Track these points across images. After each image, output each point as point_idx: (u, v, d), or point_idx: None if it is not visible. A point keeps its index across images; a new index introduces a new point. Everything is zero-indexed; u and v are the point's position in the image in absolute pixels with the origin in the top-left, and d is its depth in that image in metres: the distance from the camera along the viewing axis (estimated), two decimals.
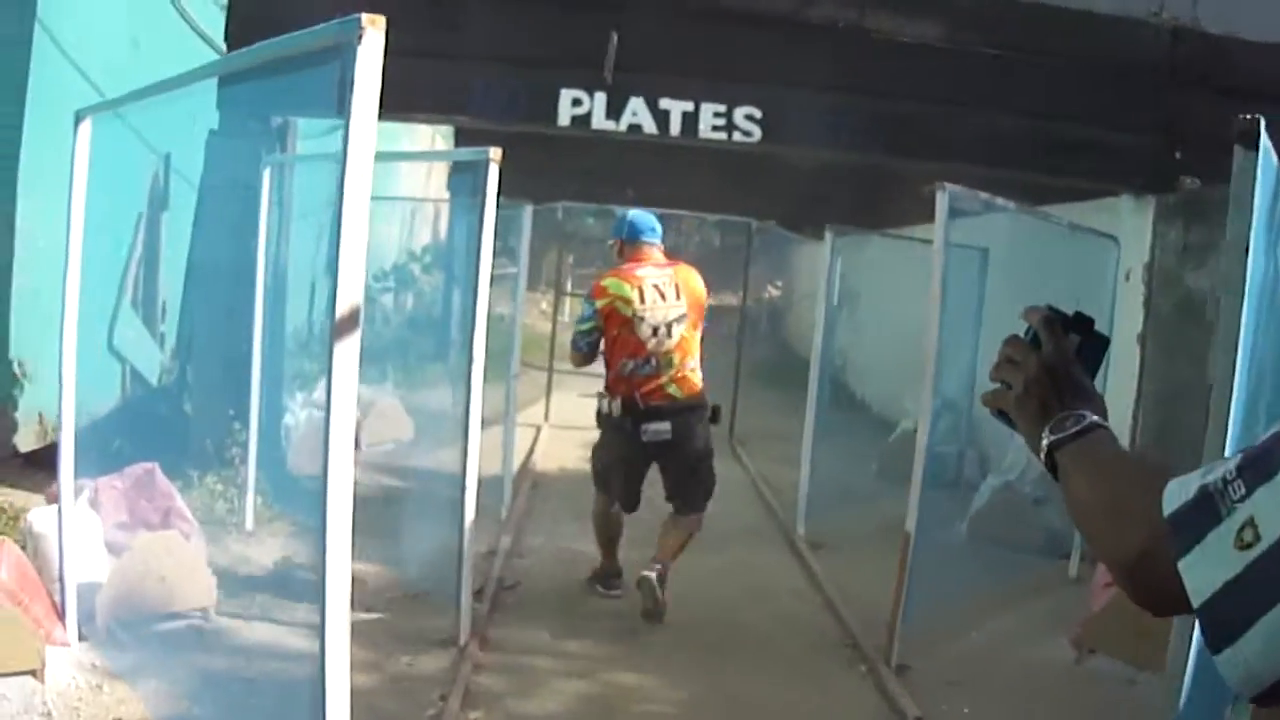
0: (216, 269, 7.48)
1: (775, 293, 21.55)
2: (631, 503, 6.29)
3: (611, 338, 5.95)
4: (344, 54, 2.28)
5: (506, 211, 7.23)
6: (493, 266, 14.94)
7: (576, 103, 7.00)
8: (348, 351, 2.36)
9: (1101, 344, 1.41)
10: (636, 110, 7.02)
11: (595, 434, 11.34)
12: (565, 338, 17.91)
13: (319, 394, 9.81)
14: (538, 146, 12.72)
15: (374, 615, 5.60)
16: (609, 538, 6.41)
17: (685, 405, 5.99)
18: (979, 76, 7.41)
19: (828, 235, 7.83)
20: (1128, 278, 7.68)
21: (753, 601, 6.46)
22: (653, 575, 5.90)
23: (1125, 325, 7.53)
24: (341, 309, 2.29)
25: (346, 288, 2.30)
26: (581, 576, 6.53)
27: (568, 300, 19.65)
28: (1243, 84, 7.40)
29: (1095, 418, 1.31)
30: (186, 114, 7.29)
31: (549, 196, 12.62)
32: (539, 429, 11.54)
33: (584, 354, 6.14)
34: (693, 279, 6.13)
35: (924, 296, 11.18)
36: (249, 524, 6.73)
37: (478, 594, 5.85)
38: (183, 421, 7.69)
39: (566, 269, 20.60)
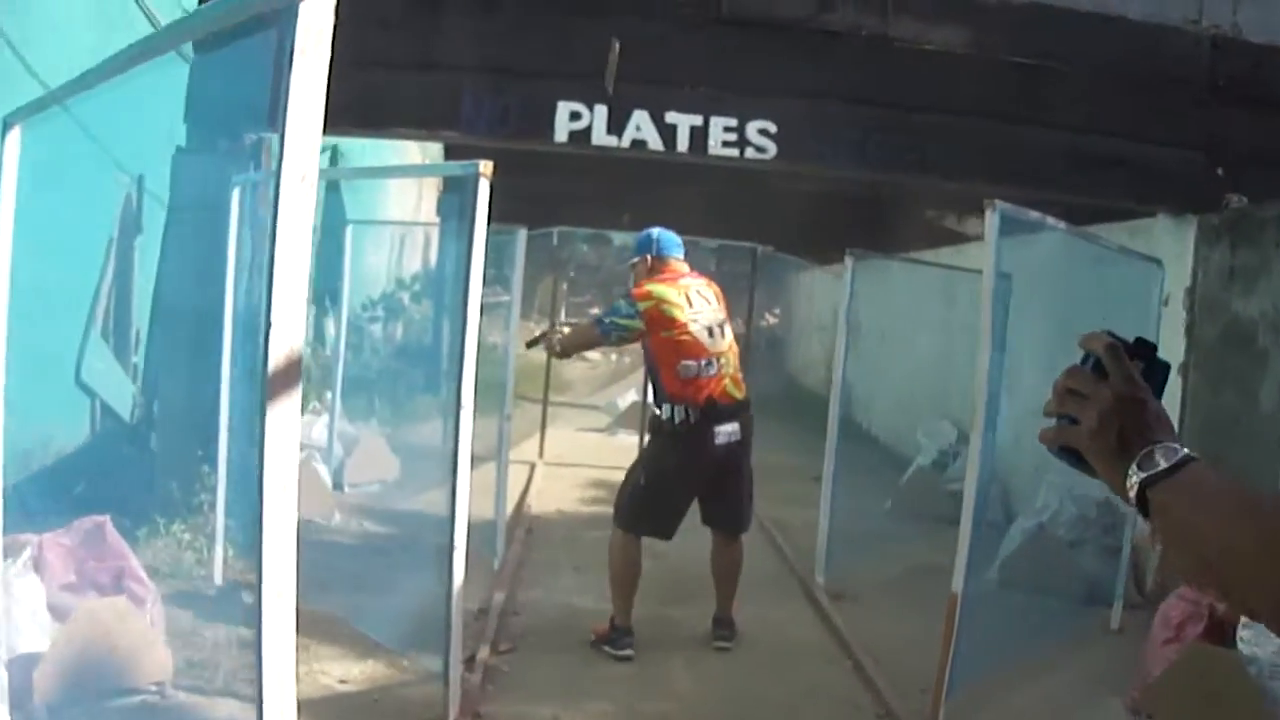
0: (183, 298, 6.92)
1: (773, 320, 21.08)
2: (675, 524, 5.92)
3: (660, 341, 5.77)
4: (283, 20, 1.70)
5: (499, 237, 6.78)
6: (485, 294, 14.42)
7: (575, 116, 6.43)
8: (285, 413, 1.77)
9: (1163, 372, 1.31)
10: (640, 124, 6.46)
11: (595, 472, 11.04)
12: (560, 367, 17.58)
13: (301, 432, 9.34)
14: (529, 171, 12.34)
15: (349, 687, 5.02)
16: (630, 586, 5.87)
17: (744, 405, 5.91)
18: (1006, 87, 6.89)
19: (847, 260, 7.26)
20: (1166, 303, 7.13)
21: (774, 666, 5.84)
22: (729, 646, 5.97)
23: (1165, 354, 6.91)
24: (276, 357, 1.70)
25: (282, 323, 1.70)
26: (584, 636, 5.91)
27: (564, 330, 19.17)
28: None
29: (1187, 450, 1.19)
30: (161, 132, 6.85)
31: (542, 222, 12.09)
32: (533, 466, 10.90)
33: (605, 339, 6.00)
34: (720, 290, 6.10)
35: (940, 323, 10.85)
36: (217, 577, 6.14)
37: (469, 662, 5.26)
38: (149, 463, 7.12)
39: (561, 296, 20.02)
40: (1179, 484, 1.17)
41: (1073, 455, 1.29)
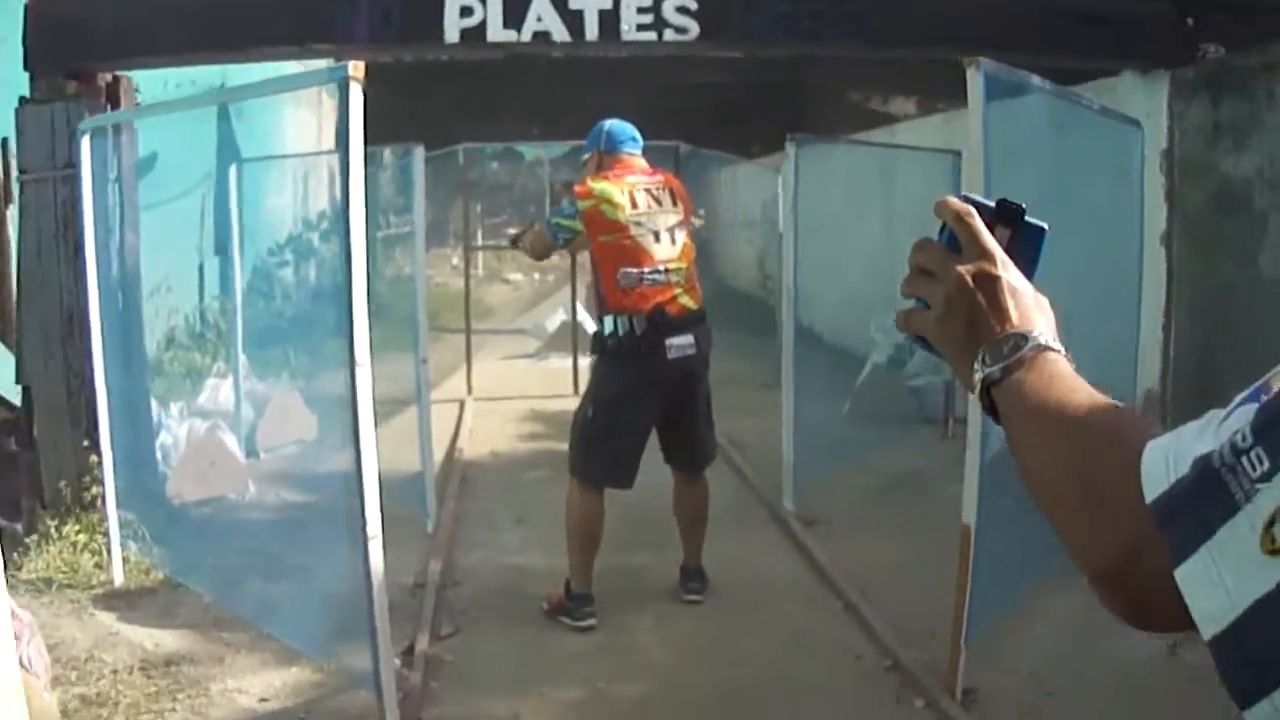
0: (43, 266, 6.04)
1: (698, 222, 20.24)
2: (632, 470, 5.13)
3: (599, 246, 5.12)
4: None
5: (399, 161, 6.04)
6: (394, 224, 13.49)
7: (466, 12, 5.56)
8: None
9: (1037, 240, 1.08)
10: (541, 14, 5.61)
11: (527, 404, 10.30)
12: (481, 293, 16.77)
13: (204, 398, 8.46)
14: (424, 88, 11.51)
15: (272, 704, 4.28)
16: (589, 542, 5.13)
17: (700, 317, 5.20)
18: None
19: (788, 147, 6.48)
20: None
21: (755, 615, 5.16)
22: (700, 599, 5.36)
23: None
24: None
25: None
26: (537, 604, 5.19)
27: (480, 255, 18.39)
28: None
29: (1040, 337, 1.00)
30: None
31: (444, 142, 11.24)
32: (462, 404, 10.05)
33: (554, 246, 5.42)
34: (681, 188, 5.37)
35: (883, 210, 10.15)
36: (119, 582, 5.37)
37: (407, 654, 4.53)
38: (32, 457, 6.28)
39: (475, 219, 19.10)
40: (1020, 384, 0.99)
41: (929, 344, 1.11)
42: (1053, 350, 1.00)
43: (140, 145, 6.69)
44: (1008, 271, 1.04)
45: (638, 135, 5.32)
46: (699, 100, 11.77)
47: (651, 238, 5.05)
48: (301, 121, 13.06)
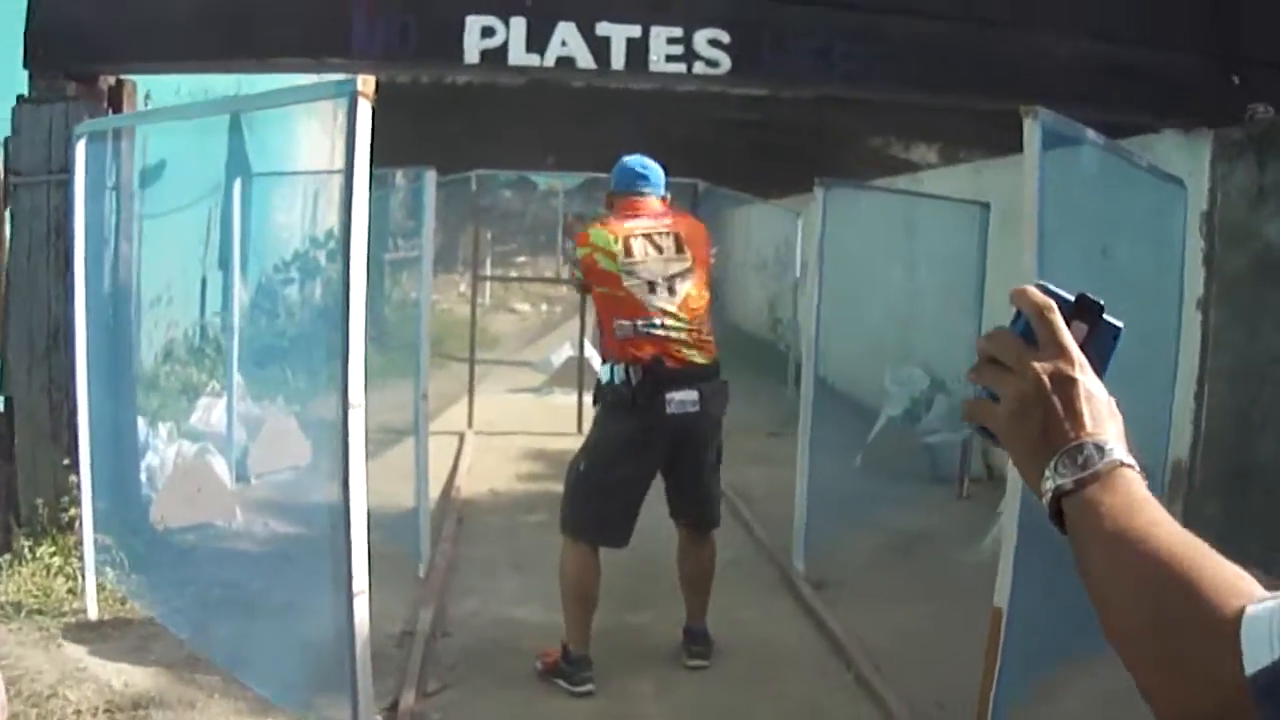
0: (32, 273, 5.79)
1: (712, 260, 20.03)
2: (627, 528, 4.80)
3: (597, 295, 4.91)
4: None
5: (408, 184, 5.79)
6: (403, 247, 13.25)
7: (488, 32, 5.31)
8: None
9: (1112, 340, 1.05)
10: (566, 39, 5.36)
11: (529, 441, 10.01)
12: (487, 322, 16.53)
13: (196, 418, 8.19)
14: (439, 110, 11.29)
15: None
16: (585, 602, 4.79)
17: (709, 373, 4.80)
18: None
19: (816, 190, 6.23)
20: None
21: (762, 684, 4.85)
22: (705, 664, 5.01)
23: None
24: None
25: None
26: (531, 661, 4.88)
27: (488, 283, 18.15)
28: None
29: (1117, 451, 0.96)
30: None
31: (457, 166, 11.01)
32: (462, 437, 9.77)
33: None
34: (696, 233, 4.96)
35: (903, 258, 9.90)
36: (92, 612, 5.08)
37: (390, 710, 4.24)
38: (10, 471, 6.01)
39: (485, 246, 18.87)
40: (1095, 502, 0.93)
41: (994, 436, 1.04)
42: (1128, 467, 0.96)
43: (149, 153, 6.49)
44: (1085, 374, 1.01)
45: (653, 172, 5.00)
46: (719, 137, 11.53)
47: (646, 288, 4.72)
48: (315, 138, 12.87)
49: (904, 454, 8.56)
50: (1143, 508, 0.93)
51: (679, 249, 4.80)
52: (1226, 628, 0.80)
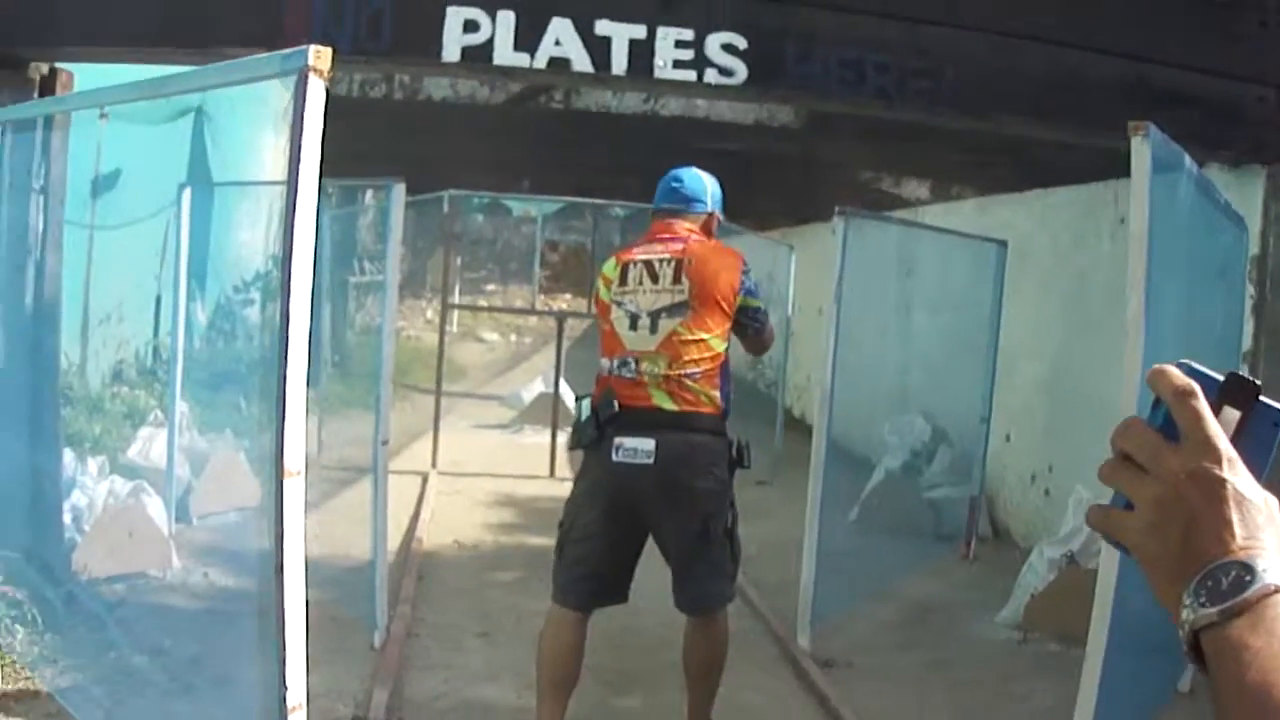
0: None
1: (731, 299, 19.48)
2: (586, 588, 4.10)
3: (600, 332, 4.36)
4: None
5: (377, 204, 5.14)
6: (367, 271, 12.59)
7: (471, 26, 4.63)
8: None
9: (1273, 423, 0.87)
10: (561, 37, 4.67)
11: (498, 484, 9.32)
12: (453, 351, 15.94)
13: (135, 450, 7.45)
14: (409, 126, 10.69)
15: None
16: (556, 677, 4.06)
17: (681, 423, 4.01)
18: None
19: (837, 221, 5.56)
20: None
21: None
22: None
23: None
24: None
25: None
26: None
27: (455, 312, 17.43)
28: None
29: (1271, 573, 0.80)
30: None
31: (428, 186, 10.42)
32: (425, 478, 9.05)
33: None
34: (712, 261, 4.16)
35: (914, 300, 9.30)
36: None
37: None
38: None
39: (455, 272, 18.20)
40: (1245, 637, 0.78)
41: (1125, 548, 0.90)
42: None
43: (103, 162, 5.94)
44: (1235, 474, 0.84)
45: (688, 187, 4.38)
46: (705, 165, 10.94)
47: (627, 322, 4.14)
48: (282, 151, 12.26)
49: (904, 507, 7.94)
50: None
51: (676, 279, 4.11)
52: None
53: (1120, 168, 6.33)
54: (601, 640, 4.56)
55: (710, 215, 4.34)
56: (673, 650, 4.48)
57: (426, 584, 6.29)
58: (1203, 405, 0.86)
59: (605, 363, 4.14)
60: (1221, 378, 0.89)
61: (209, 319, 9.89)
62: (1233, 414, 0.87)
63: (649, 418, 3.99)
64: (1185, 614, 0.83)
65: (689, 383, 4.02)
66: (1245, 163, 5.76)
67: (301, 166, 2.29)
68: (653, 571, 4.18)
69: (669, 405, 4.01)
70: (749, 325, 4.20)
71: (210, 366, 8.86)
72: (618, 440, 3.97)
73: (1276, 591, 0.80)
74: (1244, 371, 0.90)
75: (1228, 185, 5.82)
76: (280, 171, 8.79)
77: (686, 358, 4.03)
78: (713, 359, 4.06)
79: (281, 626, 2.40)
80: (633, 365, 4.04)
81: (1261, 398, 0.88)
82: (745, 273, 4.15)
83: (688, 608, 4.18)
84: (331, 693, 4.38)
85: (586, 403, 4.11)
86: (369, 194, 10.22)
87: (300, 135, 2.30)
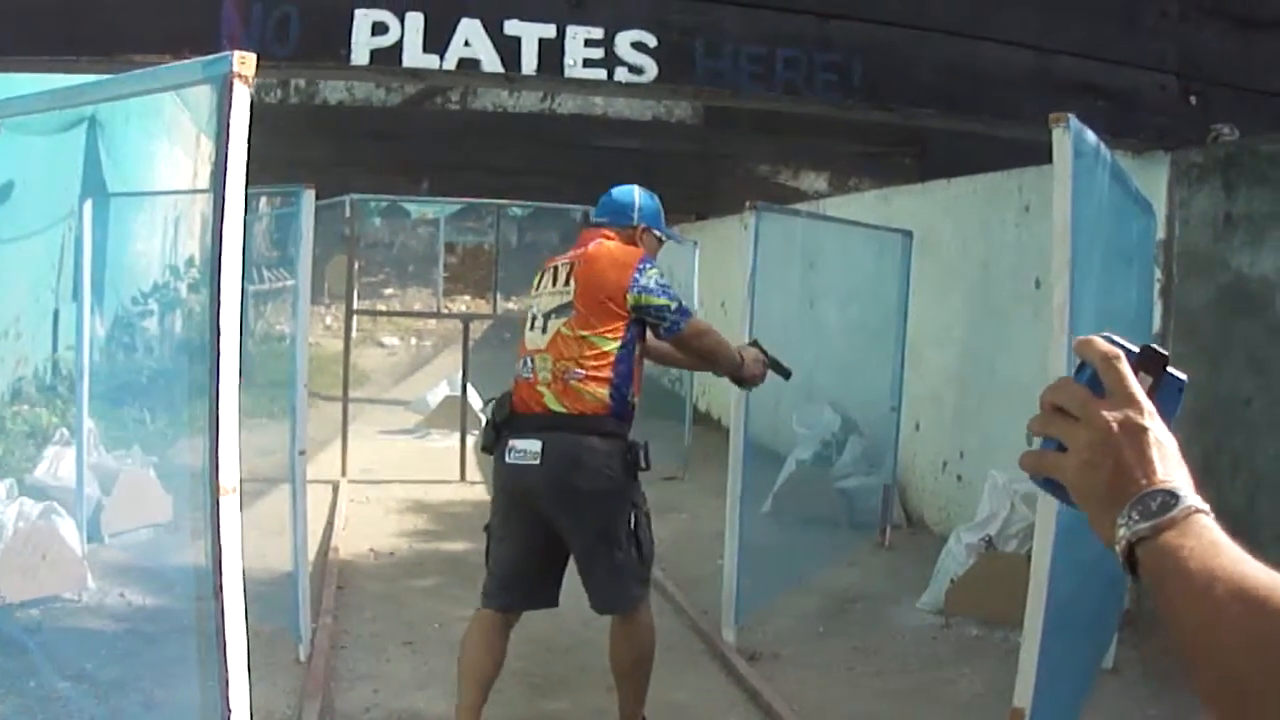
0: None
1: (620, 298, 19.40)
2: (502, 587, 4.12)
3: None
4: None
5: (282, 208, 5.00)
6: (265, 279, 12.35)
7: (380, 29, 4.55)
8: None
9: (1177, 391, 1.05)
10: (470, 38, 4.61)
11: (409, 490, 9.20)
12: (354, 357, 15.77)
13: (42, 470, 7.19)
14: (304, 130, 10.55)
15: None
16: (471, 675, 4.02)
17: (570, 424, 4.04)
18: None
19: (748, 216, 5.58)
20: None
21: None
22: None
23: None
24: None
25: None
26: None
27: (355, 318, 17.14)
28: (1266, 13, 5.81)
29: (1191, 498, 0.95)
30: None
31: (325, 192, 10.25)
32: (336, 487, 8.90)
33: None
34: (602, 261, 4.17)
35: (817, 290, 9.34)
36: None
37: None
38: None
39: (355, 277, 17.95)
40: (1173, 547, 0.92)
41: (1055, 487, 1.05)
42: (1203, 512, 0.95)
43: None
44: (1154, 422, 1.01)
45: (614, 200, 4.45)
46: (604, 162, 10.91)
47: (529, 323, 4.25)
48: (176, 162, 12.01)
49: (816, 500, 7.96)
50: (1226, 548, 0.92)
51: (567, 280, 4.18)
52: None
53: (1024, 157, 6.48)
54: (526, 644, 4.54)
55: (636, 228, 4.35)
56: (598, 651, 4.48)
57: (347, 594, 6.19)
58: (1126, 367, 1.01)
59: (517, 364, 4.20)
60: (1137, 349, 1.04)
61: (108, 332, 9.64)
62: (1145, 379, 1.03)
63: (538, 420, 4.04)
64: (1122, 531, 0.96)
65: (573, 383, 4.02)
66: (1150, 150, 5.90)
67: (229, 174, 2.22)
68: (573, 572, 4.15)
69: (557, 407, 4.03)
70: (659, 325, 4.14)
71: (111, 380, 8.63)
72: (510, 442, 4.03)
73: (1198, 511, 0.94)
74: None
75: (1133, 172, 5.94)
76: (176, 181, 8.70)
77: (569, 356, 4.04)
78: (598, 358, 4.04)
79: (223, 648, 2.32)
80: (530, 364, 4.12)
81: (1169, 368, 1.04)
82: (640, 270, 4.10)
83: (598, 609, 4.19)
84: (261, 710, 4.25)
85: (486, 406, 4.21)
86: (262, 201, 9.98)
87: (226, 142, 2.23)
